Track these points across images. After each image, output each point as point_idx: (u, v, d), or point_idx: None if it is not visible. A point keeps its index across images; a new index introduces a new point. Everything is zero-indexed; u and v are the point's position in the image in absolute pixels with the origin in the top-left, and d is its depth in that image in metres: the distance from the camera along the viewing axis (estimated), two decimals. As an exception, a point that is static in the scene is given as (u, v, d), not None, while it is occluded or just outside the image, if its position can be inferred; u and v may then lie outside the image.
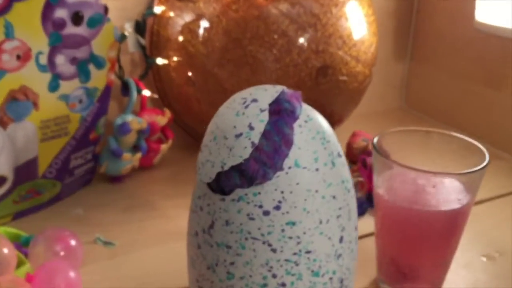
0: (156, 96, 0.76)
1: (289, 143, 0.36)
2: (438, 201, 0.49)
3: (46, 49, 0.58)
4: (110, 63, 0.65)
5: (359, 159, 0.74)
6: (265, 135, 0.36)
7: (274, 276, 0.38)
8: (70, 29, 0.59)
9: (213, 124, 0.38)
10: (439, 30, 0.93)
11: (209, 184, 0.38)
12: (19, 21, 0.55)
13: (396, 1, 0.95)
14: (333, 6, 0.68)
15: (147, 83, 0.76)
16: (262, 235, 0.37)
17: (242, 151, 0.36)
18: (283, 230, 0.37)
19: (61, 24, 0.58)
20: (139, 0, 0.75)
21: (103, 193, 0.70)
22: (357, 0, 0.71)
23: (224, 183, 0.37)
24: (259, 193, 0.36)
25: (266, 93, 0.38)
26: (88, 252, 0.57)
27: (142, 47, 0.75)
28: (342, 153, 0.40)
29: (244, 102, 0.37)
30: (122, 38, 0.66)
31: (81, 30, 0.60)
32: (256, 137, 0.36)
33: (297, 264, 0.38)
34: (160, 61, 0.74)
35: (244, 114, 0.37)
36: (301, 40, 0.67)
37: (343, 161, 0.40)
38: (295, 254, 0.37)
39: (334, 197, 0.38)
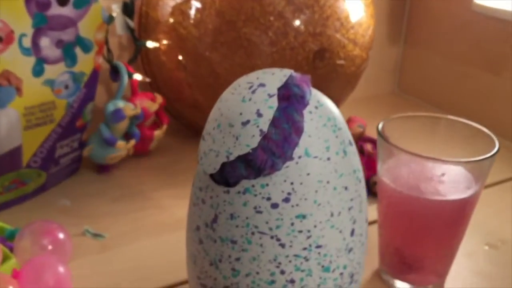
0: (148, 80, 0.73)
1: (299, 130, 0.34)
2: (446, 190, 0.47)
3: (29, 31, 0.55)
4: (98, 46, 0.62)
5: (356, 145, 0.72)
6: (273, 122, 0.34)
7: (282, 272, 0.35)
8: (55, 10, 0.56)
9: (216, 110, 0.36)
10: (435, 12, 0.91)
11: (212, 175, 0.35)
12: (0, 1, 0.51)
13: (390, -17, 0.93)
14: (330, -14, 0.65)
15: (135, 68, 0.73)
16: (270, 229, 0.35)
17: (250, 140, 0.34)
18: (292, 224, 0.35)
19: (45, 4, 0.55)
20: (126, -20, 0.72)
21: (91, 183, 0.67)
22: (355, -20, 0.69)
23: (228, 174, 0.34)
24: (267, 184, 0.34)
25: (274, 77, 0.35)
26: (77, 246, 0.55)
27: (131, 30, 0.72)
28: (352, 141, 0.38)
29: (251, 87, 0.35)
30: (110, 19, 0.62)
31: (67, 10, 0.57)
32: (264, 124, 0.34)
33: (307, 260, 0.35)
34: (150, 44, 0.70)
35: (251, 100, 0.34)
36: (298, 22, 0.64)
37: (354, 149, 0.38)
38: (305, 249, 0.35)
39: (346, 188, 0.36)
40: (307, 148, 0.34)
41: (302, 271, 0.36)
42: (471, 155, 0.47)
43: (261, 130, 0.34)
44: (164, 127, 0.72)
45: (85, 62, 0.61)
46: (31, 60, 0.56)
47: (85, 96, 0.63)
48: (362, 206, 0.38)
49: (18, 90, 0.56)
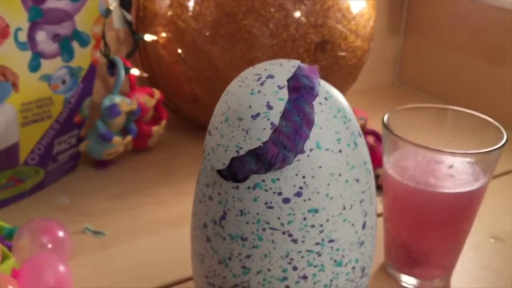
0: (146, 75, 0.71)
1: (310, 123, 0.33)
2: (454, 183, 0.46)
3: (25, 25, 0.53)
4: (95, 40, 0.61)
5: (358, 138, 0.71)
6: (284, 115, 0.33)
7: (294, 268, 0.35)
8: (51, 3, 0.54)
9: (223, 104, 0.35)
10: (435, 2, 0.90)
11: (219, 171, 0.34)
12: (-5, -6, 0.50)
13: (389, -27, 0.92)
14: (331, -23, 0.64)
15: (132, 62, 0.72)
16: (282, 224, 0.34)
17: (260, 133, 0.32)
18: (304, 219, 0.34)
19: (41, -3, 0.54)
20: (122, -28, 0.70)
21: (90, 180, 0.66)
22: (355, -29, 0.68)
23: (237, 169, 0.33)
24: (278, 179, 0.33)
25: (282, 68, 0.34)
26: (77, 243, 0.54)
27: (128, 23, 0.70)
28: (361, 132, 0.37)
29: (259, 79, 0.33)
30: (108, 12, 0.61)
31: (63, 4, 0.55)
32: (275, 117, 0.33)
33: (319, 255, 0.35)
34: (148, 37, 0.69)
35: (260, 92, 0.33)
36: (299, 13, 0.63)
37: (363, 141, 0.37)
38: (317, 244, 0.34)
39: (357, 180, 0.35)
40: (319, 140, 0.33)
41: (315, 266, 0.35)
42: (478, 146, 0.46)
43: (272, 123, 0.33)
44: (163, 122, 0.71)
45: (82, 57, 0.60)
46: (27, 55, 0.55)
47: (82, 91, 0.62)
48: (372, 198, 0.38)
49: (15, 85, 0.55)
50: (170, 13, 0.66)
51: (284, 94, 0.33)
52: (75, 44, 0.58)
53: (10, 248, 0.49)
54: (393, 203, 0.49)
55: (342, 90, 0.74)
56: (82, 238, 0.56)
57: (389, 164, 0.48)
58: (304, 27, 0.63)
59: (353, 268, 0.36)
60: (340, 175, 0.34)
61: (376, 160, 0.67)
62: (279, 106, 0.33)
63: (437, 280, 0.51)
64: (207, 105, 0.63)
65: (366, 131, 0.73)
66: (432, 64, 0.93)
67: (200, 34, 0.64)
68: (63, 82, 0.59)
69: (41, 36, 0.55)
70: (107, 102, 0.65)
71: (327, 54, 0.66)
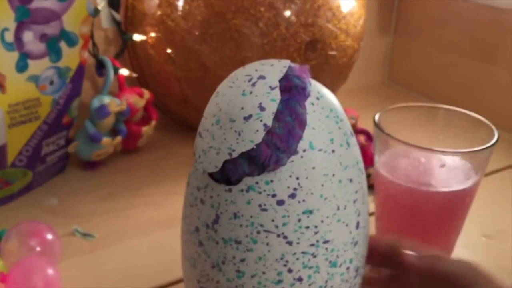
0: (135, 75, 0.71)
1: (302, 123, 0.33)
2: (446, 181, 0.46)
3: (12, 25, 0.53)
4: (83, 40, 0.60)
5: (349, 138, 0.71)
6: (277, 116, 0.32)
7: (290, 271, 0.34)
8: (39, 3, 0.54)
9: (213, 105, 0.34)
10: (424, 1, 0.90)
11: (211, 174, 0.34)
12: (-20, -7, 0.50)
13: (379, -28, 0.92)
14: (321, -24, 0.64)
15: (121, 62, 0.71)
16: (276, 227, 0.33)
17: (253, 135, 0.32)
18: (299, 220, 0.33)
19: (27, -3, 0.53)
20: (111, -28, 0.70)
21: (79, 181, 0.66)
22: (345, -31, 0.67)
23: (230, 172, 0.33)
24: (272, 181, 0.32)
25: (273, 69, 0.33)
26: (66, 246, 0.53)
27: (117, 23, 0.70)
28: (352, 132, 0.37)
29: (250, 80, 0.33)
30: (96, 12, 0.61)
31: (51, 3, 0.55)
32: (268, 118, 0.32)
33: (314, 256, 0.34)
34: (137, 37, 0.68)
35: (251, 93, 0.32)
36: (289, 12, 0.63)
37: (355, 140, 0.37)
38: (312, 245, 0.34)
39: (350, 180, 0.35)
40: (312, 141, 0.33)
41: (310, 268, 0.34)
42: (469, 145, 0.46)
43: (265, 125, 0.32)
44: (153, 123, 0.71)
45: (70, 57, 0.59)
46: (14, 55, 0.54)
47: (71, 92, 0.61)
48: (365, 198, 0.37)
49: (2, 86, 0.54)
50: (159, 12, 0.66)
51: (276, 94, 0.32)
52: (63, 44, 0.58)
53: (-3, 252, 0.49)
54: (384, 202, 0.49)
55: (333, 89, 0.74)
56: (71, 241, 0.55)
57: (381, 163, 0.48)
58: (294, 26, 0.63)
59: (348, 268, 0.36)
60: (333, 175, 0.34)
61: (367, 159, 0.67)
62: (272, 107, 0.32)
63: (429, 279, 0.51)
64: (196, 105, 0.63)
65: (357, 130, 0.73)
66: (423, 63, 0.93)
67: (189, 34, 0.64)
68: (51, 82, 0.58)
69: (28, 36, 0.54)
70: (96, 102, 0.64)
71: (317, 53, 0.66)
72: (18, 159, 0.58)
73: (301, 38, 0.64)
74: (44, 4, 0.54)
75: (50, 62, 0.57)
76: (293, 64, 0.34)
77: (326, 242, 0.34)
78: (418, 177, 0.46)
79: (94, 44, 0.68)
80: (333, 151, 0.34)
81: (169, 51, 0.66)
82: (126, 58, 0.73)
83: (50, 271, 0.47)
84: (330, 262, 0.35)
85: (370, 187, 0.63)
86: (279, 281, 0.34)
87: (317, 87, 0.35)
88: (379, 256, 0.40)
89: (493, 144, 0.45)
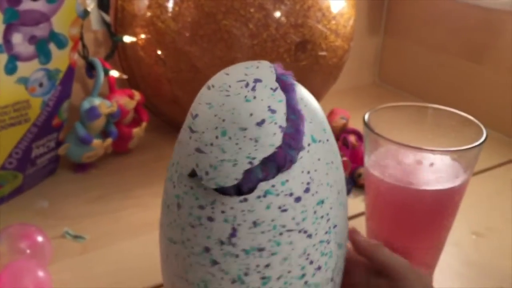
0: (125, 76, 0.71)
1: (303, 119, 0.33)
2: (435, 180, 0.46)
3: (0, 27, 0.52)
4: (73, 41, 0.60)
5: (339, 138, 0.71)
6: None
7: (311, 262, 0.35)
8: (27, 4, 0.53)
9: (211, 118, 0.32)
10: (414, 2, 0.90)
11: (218, 189, 0.33)
12: (-32, -5, 0.49)
13: (369, -27, 0.92)
14: (310, -24, 0.64)
15: (112, 64, 0.71)
16: (297, 224, 0.33)
17: (272, 139, 0.32)
18: (315, 212, 0.34)
19: (16, -1, 0.53)
20: (100, -27, 0.70)
21: (70, 183, 0.65)
22: (334, -30, 0.68)
23: (242, 182, 0.32)
24: (287, 180, 0.33)
25: (262, 70, 0.33)
26: (57, 248, 0.53)
27: (107, 25, 0.70)
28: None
29: (247, 85, 0.32)
30: (85, 14, 0.60)
31: (40, 5, 0.54)
32: (281, 119, 0.32)
33: (328, 243, 0.35)
34: (127, 39, 0.68)
35: (255, 98, 0.32)
36: (279, 13, 0.63)
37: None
38: (326, 233, 0.35)
39: (340, 166, 0.37)
40: (313, 134, 0.33)
41: (325, 254, 0.35)
42: (458, 144, 0.46)
43: (280, 126, 0.32)
44: (144, 124, 0.71)
45: (60, 59, 0.59)
46: (3, 57, 0.53)
47: (60, 94, 0.61)
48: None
49: (-10, 88, 0.54)
50: (149, 14, 0.66)
51: (280, 95, 0.32)
52: (52, 46, 0.58)
53: (-13, 255, 0.48)
54: (375, 202, 0.49)
55: (323, 89, 0.74)
56: (62, 243, 0.55)
57: (371, 163, 0.48)
58: (284, 27, 0.63)
59: (346, 247, 0.38)
60: (332, 162, 0.35)
61: (358, 159, 0.67)
62: (281, 108, 0.32)
63: (420, 278, 0.51)
64: (187, 107, 0.62)
65: (347, 130, 0.73)
66: (413, 63, 0.93)
67: (179, 35, 0.64)
68: (41, 84, 0.58)
69: (17, 38, 0.54)
70: (86, 104, 0.64)
71: (307, 54, 0.66)
72: (8, 161, 0.58)
73: (291, 39, 0.64)
74: (33, 6, 0.54)
75: (40, 64, 0.57)
76: (274, 64, 0.35)
77: (335, 226, 0.36)
78: (407, 176, 0.46)
79: (84, 46, 0.67)
80: (327, 140, 0.35)
81: (159, 52, 0.66)
82: (117, 60, 0.73)
83: (40, 273, 0.47)
84: (338, 245, 0.36)
85: (361, 187, 0.64)
86: (303, 275, 0.35)
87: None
88: None
89: (481, 143, 0.45)
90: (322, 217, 0.34)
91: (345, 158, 0.66)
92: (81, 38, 0.66)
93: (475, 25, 0.81)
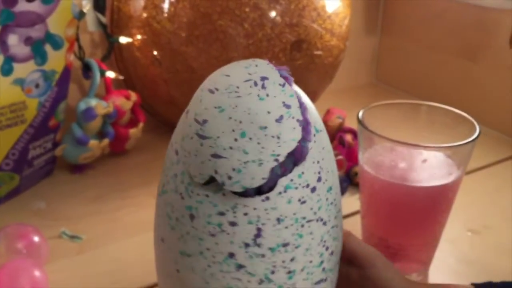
0: (121, 77, 0.71)
1: (306, 109, 0.34)
2: (428, 176, 0.46)
3: (-4, 28, 0.53)
4: (69, 42, 0.60)
5: (335, 136, 0.71)
6: None
7: (327, 248, 0.35)
8: (23, 6, 0.54)
9: (225, 121, 0.32)
10: (410, 1, 0.91)
11: (239, 192, 0.32)
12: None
13: (364, -27, 0.93)
14: (305, -24, 0.64)
15: (108, 65, 0.71)
16: (315, 213, 0.34)
17: (293, 134, 0.32)
18: (327, 199, 0.35)
19: (12, 0, 0.53)
20: (96, -25, 0.70)
21: (67, 184, 0.66)
22: (329, -30, 0.68)
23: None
24: (303, 172, 0.33)
25: (263, 68, 0.33)
26: (54, 248, 0.53)
27: (103, 26, 0.70)
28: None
29: (255, 83, 0.32)
30: (81, 15, 0.61)
31: (35, 6, 0.55)
32: (297, 113, 0.32)
33: (337, 227, 0.36)
34: (123, 40, 0.69)
35: (268, 95, 0.32)
36: (274, 13, 0.63)
37: None
38: (335, 218, 0.36)
39: (331, 150, 0.37)
40: (315, 125, 0.34)
41: (336, 239, 0.36)
42: (452, 141, 0.46)
43: (298, 120, 0.32)
44: (141, 125, 0.71)
45: (56, 60, 0.59)
46: (-1, 58, 0.54)
47: (57, 95, 0.61)
48: None
49: (-14, 90, 0.54)
50: (145, 15, 0.66)
51: (289, 90, 0.33)
52: (48, 47, 0.58)
53: (-16, 255, 0.48)
54: (370, 199, 0.50)
55: (319, 89, 0.74)
56: (59, 243, 0.55)
57: (365, 160, 0.48)
58: (279, 26, 0.63)
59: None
60: (330, 151, 0.36)
61: (354, 158, 0.67)
62: (294, 102, 0.33)
63: (415, 274, 0.51)
64: (184, 107, 0.62)
65: (344, 129, 0.73)
66: (410, 62, 0.93)
67: (175, 36, 0.64)
68: (37, 85, 0.58)
69: (13, 39, 0.54)
70: (82, 105, 0.64)
71: (303, 53, 0.66)
72: (4, 162, 0.58)
73: (286, 38, 0.64)
74: (28, 7, 0.54)
75: (36, 65, 0.57)
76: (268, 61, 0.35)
77: (339, 211, 0.36)
78: (401, 173, 0.46)
79: (80, 47, 0.68)
80: (321, 130, 0.35)
81: (155, 53, 0.66)
82: (113, 61, 0.73)
83: (37, 273, 0.47)
84: (340, 228, 0.37)
85: (357, 185, 0.64)
86: (321, 263, 0.35)
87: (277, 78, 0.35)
88: None
89: (474, 139, 0.45)
90: (331, 203, 0.35)
91: (340, 157, 0.66)
92: (77, 39, 0.66)
93: (472, 24, 0.81)
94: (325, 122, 0.77)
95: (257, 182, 0.32)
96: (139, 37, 0.67)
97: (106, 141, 0.67)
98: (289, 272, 0.34)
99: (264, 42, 0.63)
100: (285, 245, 0.33)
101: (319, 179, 0.34)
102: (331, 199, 0.35)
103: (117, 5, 0.69)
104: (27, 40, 0.56)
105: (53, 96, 0.61)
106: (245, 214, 0.33)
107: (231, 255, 0.33)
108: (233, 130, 0.31)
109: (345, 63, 0.80)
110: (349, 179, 0.66)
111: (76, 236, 0.56)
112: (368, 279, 0.39)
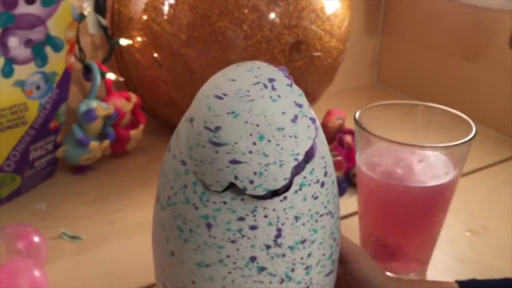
0: (121, 79, 0.71)
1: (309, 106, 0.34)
2: (426, 176, 0.46)
3: (-4, 30, 0.53)
4: (69, 45, 0.60)
5: (335, 137, 0.72)
6: None
7: (334, 240, 0.36)
8: (23, 8, 0.54)
9: (242, 126, 0.32)
10: (410, 1, 0.91)
11: (257, 195, 0.33)
12: (-36, -1, 0.50)
13: (365, -26, 0.93)
14: (304, -22, 0.65)
15: (109, 67, 0.72)
16: (325, 207, 0.35)
17: (308, 132, 0.33)
18: (332, 192, 0.35)
19: (12, 3, 0.53)
20: (97, -22, 0.70)
21: (68, 185, 0.66)
22: (328, -28, 0.68)
23: None
24: (313, 169, 0.34)
25: (267, 70, 0.34)
26: (54, 248, 0.54)
27: (104, 28, 0.70)
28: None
29: (265, 86, 0.32)
30: (81, 17, 0.61)
31: (35, 9, 0.55)
32: (309, 112, 0.33)
33: (338, 218, 0.37)
34: (123, 42, 0.69)
35: (280, 96, 0.32)
36: (273, 14, 0.63)
37: None
38: (338, 209, 0.37)
39: None
40: (315, 119, 0.35)
41: (340, 230, 0.37)
42: (449, 140, 0.46)
43: (310, 118, 0.33)
44: (141, 126, 0.71)
45: (56, 62, 0.60)
46: (0, 61, 0.54)
47: (57, 96, 0.62)
48: None
49: (-13, 91, 0.54)
50: (145, 17, 0.66)
51: (297, 89, 0.33)
52: (48, 49, 0.58)
53: (-16, 255, 0.49)
54: (367, 199, 0.50)
55: (319, 90, 0.75)
56: (59, 243, 0.55)
57: (362, 161, 0.49)
58: (278, 28, 0.64)
59: None
60: (326, 144, 0.36)
61: (353, 159, 0.67)
62: (304, 101, 0.33)
63: (414, 274, 0.51)
64: (184, 108, 0.62)
65: (344, 131, 0.73)
66: (410, 64, 0.94)
67: (175, 38, 0.65)
68: (37, 87, 0.59)
69: (13, 41, 0.55)
70: (83, 107, 0.65)
71: (302, 55, 0.66)
72: (6, 164, 0.59)
73: (285, 39, 0.64)
74: (28, 10, 0.55)
75: (36, 67, 0.58)
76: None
77: (338, 203, 0.37)
78: (397, 172, 0.46)
79: (80, 49, 0.68)
80: (319, 123, 0.36)
81: (155, 55, 0.67)
82: (114, 63, 0.73)
83: (36, 273, 0.47)
84: (339, 218, 0.38)
85: (356, 186, 0.64)
86: (331, 254, 0.36)
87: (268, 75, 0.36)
88: None
89: (470, 139, 0.45)
90: (335, 196, 0.36)
91: (340, 158, 0.66)
92: (78, 41, 0.66)
93: (472, 25, 0.81)
94: (325, 123, 0.77)
95: (280, 183, 0.32)
96: (139, 39, 0.68)
97: (106, 142, 0.67)
98: (307, 267, 0.35)
99: (263, 43, 0.64)
100: (302, 241, 0.34)
101: (325, 174, 0.35)
102: (335, 192, 0.36)
103: (118, 8, 0.70)
104: (28, 42, 0.56)
105: (54, 98, 0.61)
106: (265, 216, 0.33)
107: (253, 258, 0.33)
108: (251, 134, 0.32)
109: (345, 64, 0.80)
110: (349, 180, 0.66)
111: (76, 236, 0.56)
112: (350, 275, 0.40)
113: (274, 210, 0.33)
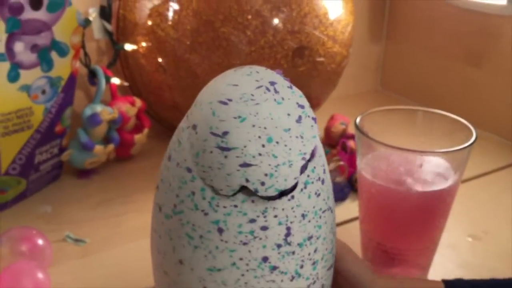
0: (126, 84, 0.72)
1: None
2: (426, 181, 0.47)
3: (3, 36, 0.54)
4: (74, 50, 0.61)
5: (338, 143, 0.72)
6: None
7: (334, 234, 0.37)
8: (29, 14, 0.55)
9: (249, 129, 0.32)
10: (415, 7, 0.91)
11: (266, 196, 0.33)
12: (-28, 5, 0.51)
13: (370, -20, 0.93)
14: (307, -16, 0.65)
15: (114, 72, 0.72)
16: (326, 203, 0.36)
17: (312, 131, 0.34)
18: (330, 189, 0.37)
19: (18, 9, 0.54)
20: (103, -17, 0.71)
21: (73, 188, 0.67)
22: (332, -22, 0.69)
23: None
24: (315, 167, 0.34)
25: (265, 73, 0.34)
26: (58, 251, 0.54)
27: (109, 33, 0.71)
28: None
29: (268, 89, 0.33)
30: (86, 22, 0.62)
31: (41, 14, 0.56)
32: (310, 111, 0.34)
33: (333, 211, 0.38)
34: (128, 47, 0.70)
35: (283, 98, 0.33)
36: (276, 20, 0.64)
37: None
38: (334, 204, 0.38)
39: None
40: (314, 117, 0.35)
41: (334, 221, 0.38)
42: (450, 146, 0.46)
43: (313, 118, 0.34)
44: (146, 130, 0.72)
45: (62, 67, 0.61)
46: (6, 65, 0.55)
47: (63, 101, 0.62)
48: None
49: (-6, 96, 0.55)
50: (149, 22, 0.67)
51: (298, 91, 0.34)
52: (54, 54, 0.59)
53: (-11, 257, 0.50)
54: (368, 204, 0.50)
55: (322, 95, 0.75)
56: (63, 246, 0.56)
57: (363, 166, 0.49)
58: (281, 33, 0.64)
59: None
60: (320, 142, 0.37)
61: (356, 164, 0.67)
62: (305, 102, 0.34)
63: (414, 280, 0.51)
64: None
65: (347, 136, 0.74)
66: (414, 69, 0.94)
67: (179, 43, 0.65)
68: (43, 92, 0.60)
69: (19, 46, 0.56)
70: (88, 111, 0.65)
71: (305, 60, 0.67)
72: (11, 167, 0.60)
73: (288, 45, 0.65)
74: (34, 15, 0.56)
75: (42, 72, 0.59)
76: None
77: (332, 198, 0.38)
78: (398, 178, 0.47)
79: (85, 54, 0.69)
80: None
81: (160, 60, 0.68)
82: (119, 68, 0.74)
83: (40, 275, 0.48)
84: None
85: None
86: (332, 248, 0.37)
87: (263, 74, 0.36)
88: None
89: (470, 144, 0.46)
90: (331, 192, 0.37)
91: (342, 163, 0.66)
92: (83, 46, 0.67)
93: (475, 30, 0.81)
94: (328, 128, 0.77)
95: (290, 182, 0.33)
96: (144, 44, 0.68)
97: (111, 146, 0.68)
98: (314, 263, 0.36)
99: (266, 49, 0.64)
100: (309, 238, 0.35)
101: (324, 171, 0.36)
102: (331, 189, 0.37)
103: (123, 13, 0.71)
104: (33, 48, 0.57)
105: (59, 102, 0.62)
106: (275, 216, 0.33)
107: (265, 259, 0.34)
108: (259, 137, 0.32)
109: (350, 70, 0.80)
110: (351, 185, 0.67)
111: (80, 239, 0.57)
112: (337, 272, 0.40)
113: (283, 209, 0.34)
